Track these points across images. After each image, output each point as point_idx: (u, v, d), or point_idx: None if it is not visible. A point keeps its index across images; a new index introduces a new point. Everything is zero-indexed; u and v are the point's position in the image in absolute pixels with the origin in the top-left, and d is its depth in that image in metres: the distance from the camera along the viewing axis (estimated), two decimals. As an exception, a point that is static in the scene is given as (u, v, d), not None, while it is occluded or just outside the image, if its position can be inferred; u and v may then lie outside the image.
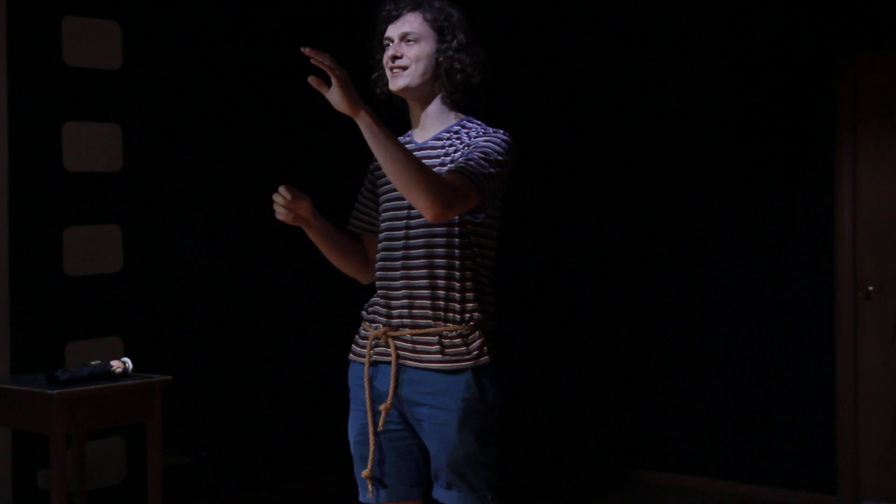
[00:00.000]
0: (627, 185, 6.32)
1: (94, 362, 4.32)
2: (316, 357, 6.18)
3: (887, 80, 5.59)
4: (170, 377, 4.42)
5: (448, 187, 2.75)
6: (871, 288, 5.63)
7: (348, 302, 6.31)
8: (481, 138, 2.93)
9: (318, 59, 2.64)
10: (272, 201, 2.95)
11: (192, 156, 5.62)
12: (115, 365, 4.31)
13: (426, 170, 2.74)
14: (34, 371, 4.70)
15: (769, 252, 5.90)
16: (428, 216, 2.76)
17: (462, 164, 2.83)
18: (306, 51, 2.64)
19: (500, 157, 2.89)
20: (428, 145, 3.01)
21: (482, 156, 2.86)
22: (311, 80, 2.69)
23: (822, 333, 5.74)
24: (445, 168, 2.91)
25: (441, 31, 3.00)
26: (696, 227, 6.15)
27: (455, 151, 2.95)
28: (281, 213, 2.95)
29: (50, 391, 4.05)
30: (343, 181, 6.28)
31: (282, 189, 2.93)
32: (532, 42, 6.43)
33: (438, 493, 3.00)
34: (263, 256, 5.92)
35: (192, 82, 5.61)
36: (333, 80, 2.67)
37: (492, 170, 2.85)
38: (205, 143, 5.67)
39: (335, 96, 2.69)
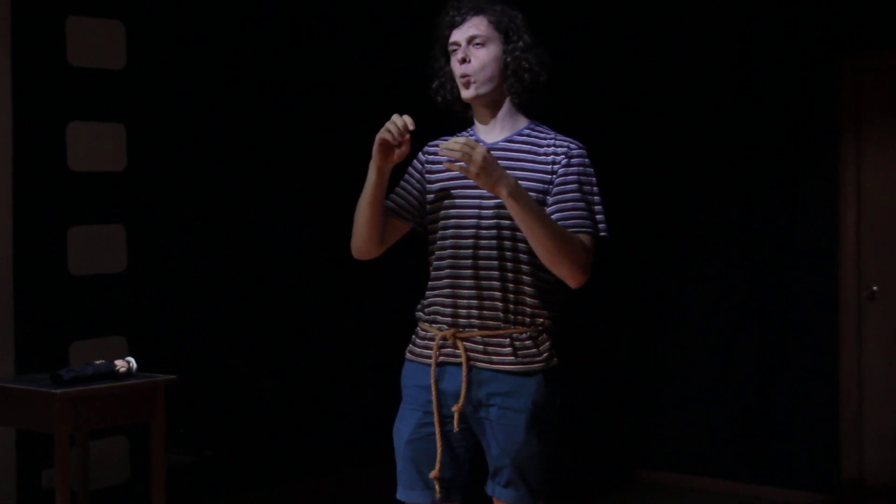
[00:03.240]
0: (628, 184, 6.33)
1: (98, 362, 4.32)
2: (319, 356, 6.18)
3: (890, 79, 5.59)
4: (173, 377, 4.42)
5: (584, 253, 2.91)
6: (875, 288, 5.63)
7: (350, 302, 6.32)
8: (571, 172, 2.99)
9: (453, 157, 2.78)
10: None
11: (197, 155, 5.62)
12: (119, 364, 4.32)
13: (568, 241, 2.87)
14: (38, 370, 4.70)
15: (772, 252, 5.90)
16: (572, 284, 2.94)
17: (578, 218, 2.96)
18: (442, 152, 2.78)
19: (594, 187, 3.03)
20: (500, 146, 3.04)
21: (586, 199, 2.99)
22: (449, 165, 2.83)
23: (825, 333, 5.74)
24: (528, 181, 2.96)
25: (506, 32, 3.05)
26: (699, 227, 6.15)
27: (540, 165, 2.99)
28: (387, 135, 2.89)
29: (54, 390, 4.05)
30: (346, 180, 6.28)
31: (407, 119, 2.90)
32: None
33: (495, 490, 3.04)
34: (267, 256, 5.92)
35: (196, 82, 5.61)
36: (469, 173, 2.80)
37: (595, 205, 3.02)
38: (209, 143, 5.68)
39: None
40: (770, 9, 5.89)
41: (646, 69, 6.29)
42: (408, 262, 6.54)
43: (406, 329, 6.87)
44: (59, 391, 4.05)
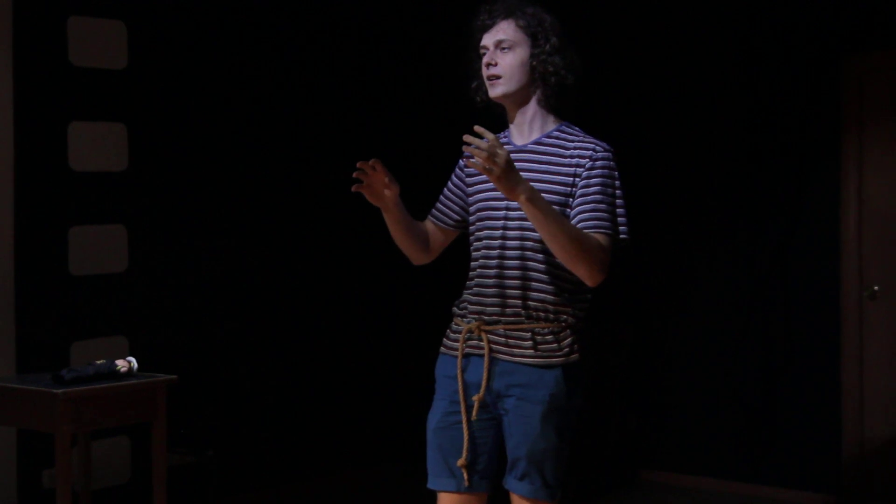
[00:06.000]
0: (631, 185, 6.31)
1: (99, 362, 4.32)
2: (321, 356, 6.18)
3: (893, 80, 5.58)
4: (174, 377, 4.42)
5: (602, 252, 2.96)
6: (876, 288, 5.63)
7: (351, 302, 6.32)
8: (594, 174, 3.04)
9: (478, 151, 2.78)
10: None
11: (198, 155, 5.62)
12: (121, 364, 4.31)
13: (585, 242, 2.92)
14: (40, 370, 4.70)
15: (774, 252, 5.90)
16: (590, 283, 2.99)
17: (598, 219, 3.01)
18: (468, 137, 2.78)
19: (616, 189, 3.08)
20: (528, 149, 3.12)
21: (608, 201, 3.04)
22: (470, 163, 2.84)
23: (827, 334, 5.74)
24: (553, 184, 3.03)
25: (534, 36, 3.11)
26: (702, 228, 6.14)
27: (564, 168, 3.05)
28: (357, 186, 3.05)
29: (55, 390, 4.05)
30: (347, 180, 6.28)
31: (373, 161, 3.04)
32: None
33: (511, 483, 3.10)
34: (267, 256, 5.92)
35: (197, 82, 5.61)
36: (490, 175, 2.81)
37: (618, 207, 3.07)
38: (210, 143, 5.68)
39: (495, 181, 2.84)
40: (774, 9, 5.88)
41: (648, 69, 6.28)
42: (406, 264, 6.51)
43: (407, 329, 6.89)
44: (60, 391, 4.05)
